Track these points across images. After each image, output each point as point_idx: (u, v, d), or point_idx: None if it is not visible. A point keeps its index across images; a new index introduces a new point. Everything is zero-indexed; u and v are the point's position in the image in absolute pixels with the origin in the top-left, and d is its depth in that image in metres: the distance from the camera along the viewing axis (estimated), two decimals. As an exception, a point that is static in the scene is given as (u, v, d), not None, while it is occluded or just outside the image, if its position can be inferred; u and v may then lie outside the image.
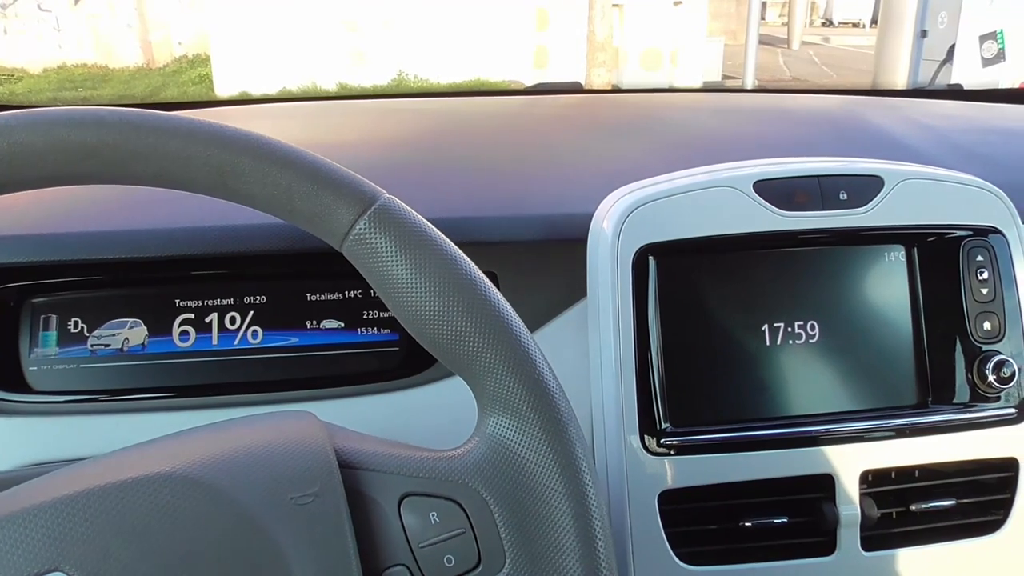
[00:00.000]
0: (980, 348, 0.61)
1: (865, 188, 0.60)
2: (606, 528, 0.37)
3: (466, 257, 0.38)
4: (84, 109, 0.35)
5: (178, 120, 0.36)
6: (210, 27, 6.80)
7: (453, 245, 0.38)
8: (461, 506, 0.36)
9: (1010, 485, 0.62)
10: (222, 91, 6.53)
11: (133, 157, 0.35)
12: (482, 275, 0.38)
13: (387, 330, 0.63)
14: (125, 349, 0.61)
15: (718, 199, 0.58)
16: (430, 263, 0.37)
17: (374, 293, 0.63)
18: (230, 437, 0.36)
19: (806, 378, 0.60)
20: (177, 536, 0.32)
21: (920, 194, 0.61)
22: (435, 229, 0.38)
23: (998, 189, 0.62)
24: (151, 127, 0.35)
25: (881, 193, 0.60)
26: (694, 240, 0.58)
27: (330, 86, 6.31)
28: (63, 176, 0.36)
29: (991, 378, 0.60)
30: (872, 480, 0.59)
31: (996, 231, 0.62)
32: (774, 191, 0.59)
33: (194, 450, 0.35)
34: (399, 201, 0.38)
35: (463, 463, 0.37)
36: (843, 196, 0.59)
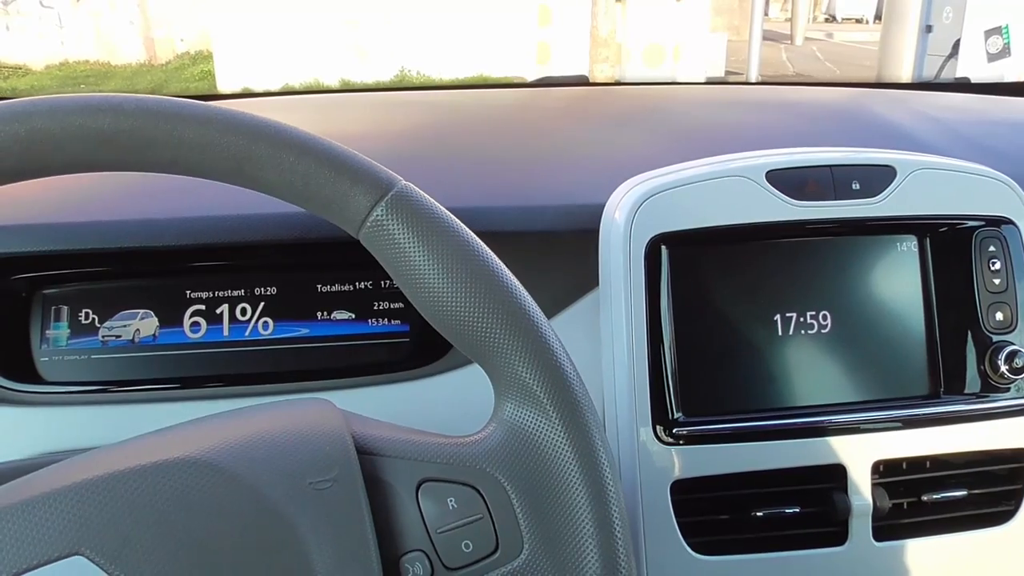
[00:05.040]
0: (992, 339, 0.60)
1: (877, 178, 0.60)
2: (623, 514, 0.37)
3: (483, 244, 0.38)
4: (102, 96, 0.35)
5: (195, 107, 0.36)
6: (212, 24, 6.80)
7: (470, 232, 0.38)
8: (479, 492, 0.36)
9: (1021, 476, 0.62)
10: (225, 88, 6.53)
11: (150, 144, 0.35)
12: (499, 262, 0.38)
13: (398, 321, 0.63)
14: (136, 340, 0.61)
15: (730, 189, 0.58)
16: (447, 249, 0.37)
17: (385, 284, 0.64)
18: (248, 423, 0.36)
19: (818, 368, 0.60)
20: (196, 521, 0.32)
21: (932, 184, 0.61)
22: (452, 216, 0.38)
23: (1011, 180, 0.62)
24: (168, 114, 0.35)
25: (893, 183, 0.60)
26: (706, 230, 0.58)
27: (332, 83, 6.30)
28: (80, 163, 0.35)
29: (1003, 368, 0.59)
30: (883, 470, 0.59)
31: (1009, 222, 0.61)
32: (786, 181, 0.58)
33: (213, 436, 0.35)
34: (416, 188, 0.38)
35: (480, 449, 0.37)
36: (855, 186, 0.59)
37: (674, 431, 0.57)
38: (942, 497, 0.60)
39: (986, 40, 4.46)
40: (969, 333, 0.61)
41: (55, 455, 0.56)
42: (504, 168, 0.73)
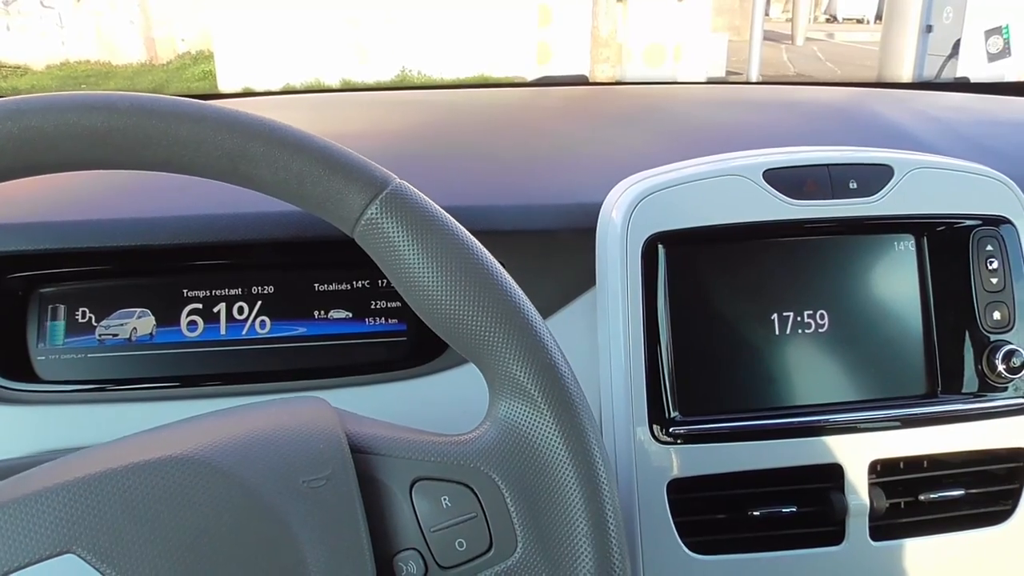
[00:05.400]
0: (989, 338, 0.60)
1: (875, 177, 0.60)
2: (618, 512, 0.37)
3: (478, 242, 0.38)
4: (96, 94, 0.35)
5: (189, 105, 0.36)
6: (213, 23, 6.80)
7: (465, 230, 0.38)
8: (473, 490, 0.36)
9: (1018, 475, 0.62)
10: (225, 88, 6.53)
11: (144, 142, 0.35)
12: (494, 260, 0.38)
13: (395, 320, 0.63)
14: (133, 339, 0.61)
15: (728, 188, 0.58)
16: (442, 248, 0.37)
17: (382, 283, 0.64)
18: (242, 421, 0.36)
19: (815, 367, 0.60)
20: (189, 518, 0.32)
21: (930, 184, 0.61)
22: (447, 214, 0.38)
23: (1008, 179, 0.62)
24: (162, 112, 0.35)
25: (891, 182, 0.60)
26: (703, 229, 0.58)
27: (333, 82, 6.30)
28: (74, 162, 0.35)
29: (1000, 368, 0.59)
30: (881, 470, 0.59)
31: (1006, 221, 0.61)
32: (784, 180, 0.58)
33: (206, 434, 0.35)
34: (410, 186, 0.38)
35: (475, 447, 0.37)
36: (853, 185, 0.59)
37: (671, 430, 0.56)
38: (939, 496, 0.60)
39: (986, 40, 4.46)
40: (967, 332, 0.61)
41: (51, 454, 0.56)
42: (503, 167, 0.73)
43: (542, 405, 0.37)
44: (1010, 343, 0.60)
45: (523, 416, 0.37)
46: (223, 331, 0.62)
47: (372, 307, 0.63)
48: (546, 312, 0.61)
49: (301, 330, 0.62)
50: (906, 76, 4.77)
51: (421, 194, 0.38)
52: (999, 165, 0.64)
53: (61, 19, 8.05)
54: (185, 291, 0.62)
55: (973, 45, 4.48)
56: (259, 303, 0.62)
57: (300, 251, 0.63)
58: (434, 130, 0.85)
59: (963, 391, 0.61)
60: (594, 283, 0.60)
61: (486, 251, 0.38)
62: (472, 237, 0.38)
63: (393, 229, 0.36)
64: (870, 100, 0.99)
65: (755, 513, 0.58)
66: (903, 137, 0.81)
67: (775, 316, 0.59)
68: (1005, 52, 4.42)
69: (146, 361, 0.61)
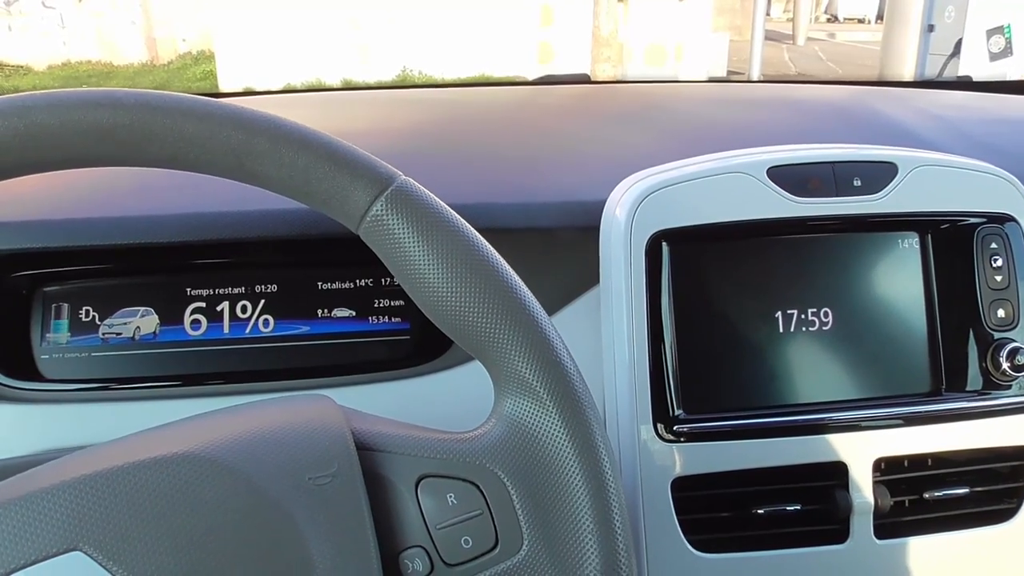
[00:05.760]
0: (993, 336, 0.60)
1: (879, 175, 0.60)
2: (623, 510, 0.36)
3: (483, 239, 0.38)
4: (101, 91, 0.35)
5: (195, 101, 0.36)
6: (214, 24, 6.81)
7: (470, 227, 0.38)
8: (479, 488, 0.36)
9: (1022, 473, 0.62)
10: (227, 88, 6.53)
11: (149, 139, 0.35)
12: (499, 257, 0.38)
13: (398, 319, 0.63)
14: (136, 338, 0.61)
15: (731, 185, 0.58)
16: (447, 245, 0.37)
17: (385, 281, 0.64)
18: (248, 419, 0.36)
19: (819, 365, 0.60)
20: (196, 516, 0.32)
21: (934, 181, 0.61)
22: (452, 211, 0.38)
23: (1013, 177, 0.62)
24: (168, 108, 0.35)
25: (895, 180, 0.60)
26: (707, 226, 0.57)
27: (334, 82, 6.30)
28: (80, 158, 0.35)
29: (1005, 366, 0.59)
30: (885, 468, 0.59)
31: (1010, 219, 0.61)
32: (788, 177, 0.58)
33: (212, 431, 0.35)
34: (416, 183, 0.38)
35: (480, 444, 0.37)
36: (857, 183, 0.59)
37: (675, 428, 0.56)
38: (943, 495, 0.60)
39: (988, 39, 4.46)
40: (971, 330, 0.61)
41: (55, 452, 0.56)
42: (506, 165, 0.73)
43: (547, 402, 0.37)
44: (1014, 341, 0.60)
45: (528, 413, 0.37)
46: (226, 330, 0.62)
47: (375, 305, 0.63)
48: (549, 310, 0.61)
49: (304, 329, 0.62)
50: (908, 75, 4.77)
51: (426, 191, 0.38)
52: (1003, 163, 0.64)
53: (63, 19, 8.06)
54: (188, 290, 0.62)
55: (975, 44, 4.48)
56: (262, 302, 0.62)
57: (303, 249, 0.63)
58: (437, 128, 0.85)
59: (967, 389, 0.60)
60: (597, 281, 0.60)
61: (491, 248, 0.38)
62: (477, 234, 0.38)
63: (398, 226, 0.36)
64: (872, 98, 0.99)
65: (759, 511, 0.58)
66: (906, 135, 0.81)
67: (779, 314, 0.59)
68: (1007, 51, 4.42)
69: (150, 360, 0.61)
